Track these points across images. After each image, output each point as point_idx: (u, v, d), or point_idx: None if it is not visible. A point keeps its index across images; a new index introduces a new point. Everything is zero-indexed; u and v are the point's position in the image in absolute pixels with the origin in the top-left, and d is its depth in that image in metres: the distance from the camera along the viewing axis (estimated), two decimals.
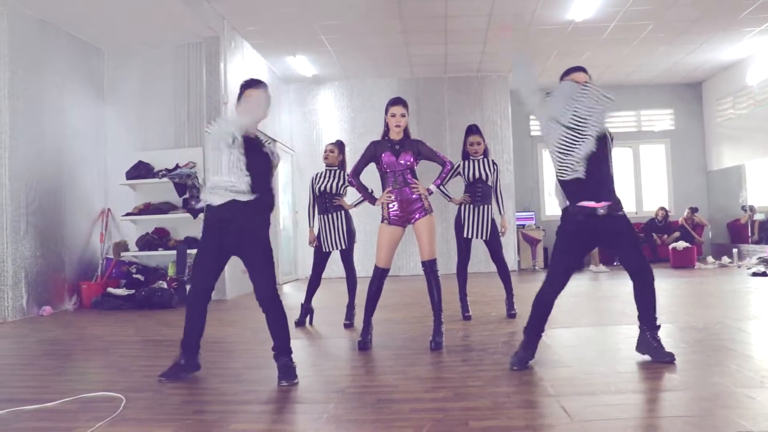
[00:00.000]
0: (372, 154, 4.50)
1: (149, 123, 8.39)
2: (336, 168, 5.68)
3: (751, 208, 11.10)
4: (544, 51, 9.84)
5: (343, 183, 5.60)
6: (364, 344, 4.32)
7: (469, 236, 5.60)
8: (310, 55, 9.88)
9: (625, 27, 8.95)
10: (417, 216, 4.44)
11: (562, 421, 2.59)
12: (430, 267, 4.47)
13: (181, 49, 8.39)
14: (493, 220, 5.64)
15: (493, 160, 5.69)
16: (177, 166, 7.95)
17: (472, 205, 5.61)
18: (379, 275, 4.46)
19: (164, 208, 7.97)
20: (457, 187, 5.74)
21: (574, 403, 2.82)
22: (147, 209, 7.98)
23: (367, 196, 4.77)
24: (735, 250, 10.68)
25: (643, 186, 12.78)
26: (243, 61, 8.93)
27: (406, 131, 4.58)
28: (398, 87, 11.16)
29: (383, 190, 4.55)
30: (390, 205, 4.45)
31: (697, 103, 12.74)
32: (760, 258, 9.73)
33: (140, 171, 8.02)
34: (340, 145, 5.79)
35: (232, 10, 7.90)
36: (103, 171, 8.22)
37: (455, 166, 5.52)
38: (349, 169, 5.32)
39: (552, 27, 8.89)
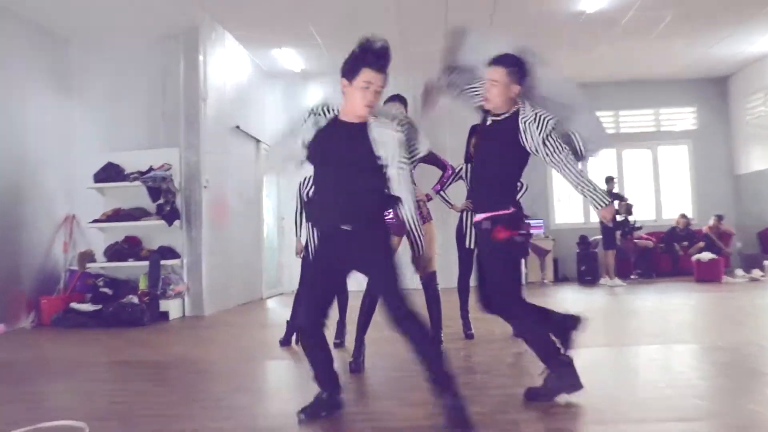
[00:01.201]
0: None
1: (120, 121, 8.34)
2: None
3: None
4: (553, 44, 9.82)
5: None
6: (356, 366, 4.26)
7: (472, 246, 5.56)
8: (298, 48, 9.87)
9: (642, 17, 8.94)
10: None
11: None
12: (428, 281, 4.44)
13: (157, 40, 8.35)
14: None
15: None
16: (151, 169, 7.91)
17: (473, 212, 5.54)
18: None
19: (136, 214, 7.91)
20: (458, 192, 5.72)
21: None
22: (117, 215, 7.92)
23: None
24: (767, 262, 10.65)
25: (663, 191, 12.78)
26: (224, 54, 8.92)
27: None
28: (393, 83, 10.92)
29: None
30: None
31: (722, 100, 12.75)
32: None
33: (110, 173, 7.96)
34: None
35: None
36: (68, 173, 8.15)
37: (457, 170, 5.55)
38: None
39: (561, 18, 8.89)
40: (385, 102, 4.74)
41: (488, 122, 3.42)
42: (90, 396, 3.85)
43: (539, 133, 3.15)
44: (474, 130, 5.71)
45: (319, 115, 3.07)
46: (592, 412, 3.07)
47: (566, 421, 2.95)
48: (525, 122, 3.20)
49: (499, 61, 3.28)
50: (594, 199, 3.19)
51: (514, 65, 3.28)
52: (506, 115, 3.32)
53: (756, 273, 10.55)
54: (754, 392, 3.37)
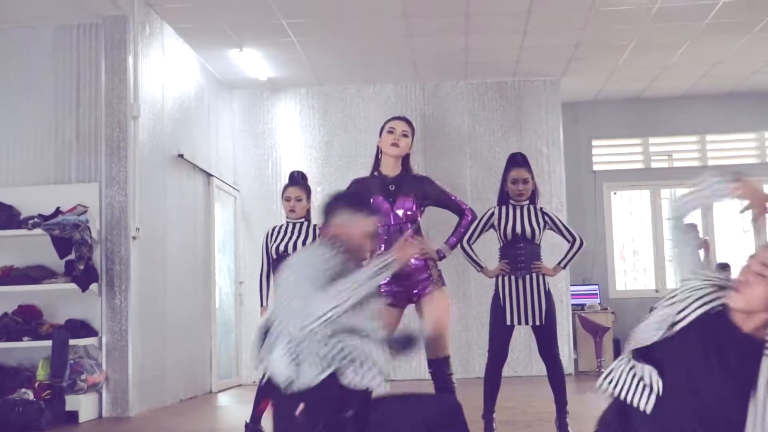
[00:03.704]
0: None
1: (14, 144, 8.22)
2: (302, 220, 5.96)
3: None
4: (616, 43, 9.86)
5: (313, 239, 5.80)
6: None
7: (513, 322, 5.58)
8: (265, 49, 9.87)
9: (737, 7, 8.91)
10: (422, 291, 4.52)
11: None
12: (441, 368, 4.52)
13: (67, 31, 8.27)
14: (548, 295, 5.63)
15: (543, 209, 5.81)
16: (58, 212, 7.76)
17: (513, 277, 5.63)
18: None
19: (35, 274, 7.72)
20: (486, 246, 5.65)
21: None
22: (7, 276, 7.75)
23: None
24: None
25: None
26: (163, 55, 8.89)
27: (405, 164, 4.71)
28: (395, 97, 11.21)
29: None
30: None
31: None
32: None
33: None
34: (305, 188, 6.07)
35: None
36: None
37: (486, 216, 5.70)
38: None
39: (626, 8, 8.91)
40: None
41: None
42: None
43: None
44: (514, 161, 5.81)
45: None
46: None
47: None
48: None
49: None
50: None
51: None
52: None
53: None
54: None
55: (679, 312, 2.87)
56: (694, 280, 3.01)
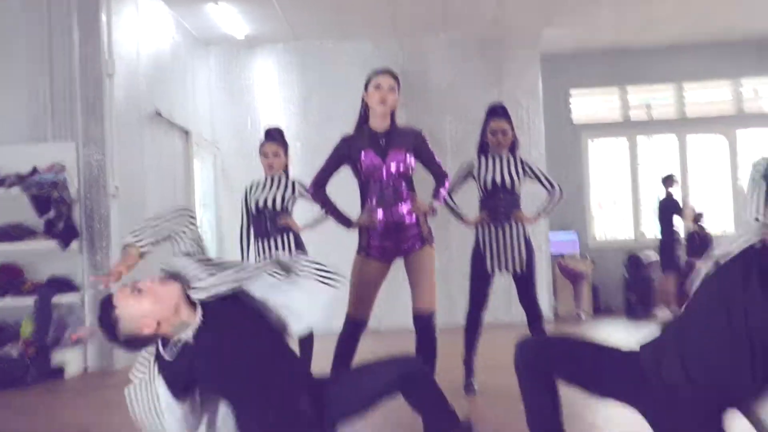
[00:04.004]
0: (344, 154, 4.49)
1: None
2: (280, 174, 5.98)
3: None
4: None
5: (292, 194, 5.90)
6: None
7: (494, 269, 5.64)
8: (241, 4, 9.82)
9: None
10: (411, 247, 4.43)
11: None
12: (425, 323, 4.47)
13: None
14: (528, 243, 5.66)
15: (523, 159, 5.82)
16: (35, 171, 7.79)
17: (493, 226, 5.64)
18: (352, 330, 4.47)
19: (15, 233, 7.76)
20: (466, 198, 5.73)
21: None
22: None
23: (337, 215, 4.72)
24: None
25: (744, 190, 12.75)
26: (137, 11, 8.85)
27: (394, 118, 4.59)
28: (374, 53, 11.12)
29: (363, 206, 4.51)
30: (371, 231, 4.42)
31: None
32: None
33: None
34: (282, 143, 6.07)
35: None
36: None
37: (466, 166, 5.79)
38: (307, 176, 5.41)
39: None
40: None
41: None
42: None
43: None
44: (494, 112, 5.81)
45: None
46: None
47: None
48: None
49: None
50: None
51: None
52: None
53: None
54: None
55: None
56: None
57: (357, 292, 4.35)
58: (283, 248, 5.85)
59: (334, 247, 9.24)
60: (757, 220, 2.92)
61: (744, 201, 3.06)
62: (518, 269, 5.62)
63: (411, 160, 4.45)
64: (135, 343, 3.13)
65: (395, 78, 4.61)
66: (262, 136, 6.34)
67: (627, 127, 12.96)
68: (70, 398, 6.41)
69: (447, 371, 5.72)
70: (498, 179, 5.62)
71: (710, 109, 12.77)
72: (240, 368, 3.10)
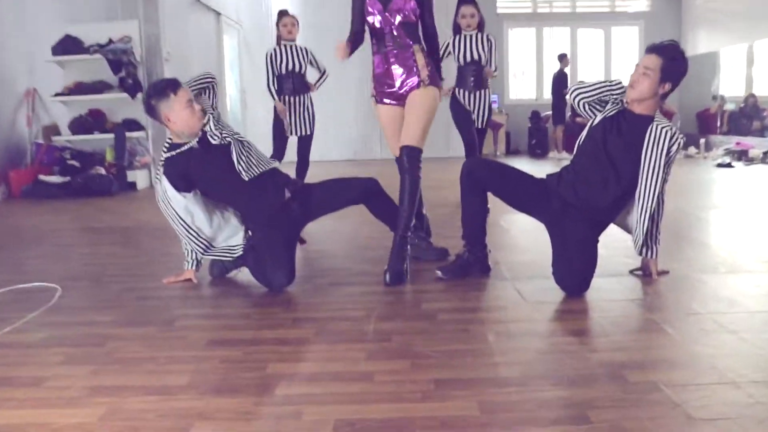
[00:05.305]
0: (359, 6, 3.30)
1: None
2: (293, 43, 5.52)
3: (722, 98, 11.27)
4: None
5: (306, 58, 5.52)
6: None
7: (482, 125, 5.39)
8: None
9: None
10: (410, 87, 3.24)
11: (515, 302, 2.73)
12: (408, 156, 3.18)
13: None
14: (490, 108, 5.44)
15: (488, 36, 5.36)
16: (110, 41, 7.63)
17: (466, 91, 5.33)
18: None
19: (98, 87, 7.70)
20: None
21: (528, 286, 2.95)
22: (78, 89, 7.70)
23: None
24: (702, 141, 10.90)
25: (614, 71, 12.81)
26: None
27: None
28: None
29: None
30: (376, 79, 3.35)
31: None
32: (726, 149, 9.98)
33: (68, 46, 7.65)
34: (293, 17, 5.61)
35: None
36: (25, 46, 7.75)
37: (444, 46, 5.10)
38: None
39: None
40: None
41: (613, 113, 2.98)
42: (62, 259, 3.90)
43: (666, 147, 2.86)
44: (463, 0, 5.30)
45: None
46: (534, 268, 3.22)
47: (509, 275, 3.10)
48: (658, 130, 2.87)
49: (657, 50, 2.91)
50: (645, 243, 2.97)
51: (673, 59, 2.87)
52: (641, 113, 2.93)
53: (691, 150, 10.80)
54: (678, 253, 3.57)
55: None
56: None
57: (388, 137, 3.42)
58: (306, 101, 5.52)
59: (326, 102, 9.23)
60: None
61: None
62: (480, 125, 5.40)
63: (412, 7, 3.19)
64: (157, 118, 3.05)
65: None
66: (273, 17, 5.94)
67: (535, 19, 12.79)
68: (140, 203, 6.49)
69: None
70: (469, 55, 5.27)
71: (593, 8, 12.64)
72: (225, 178, 3.07)
